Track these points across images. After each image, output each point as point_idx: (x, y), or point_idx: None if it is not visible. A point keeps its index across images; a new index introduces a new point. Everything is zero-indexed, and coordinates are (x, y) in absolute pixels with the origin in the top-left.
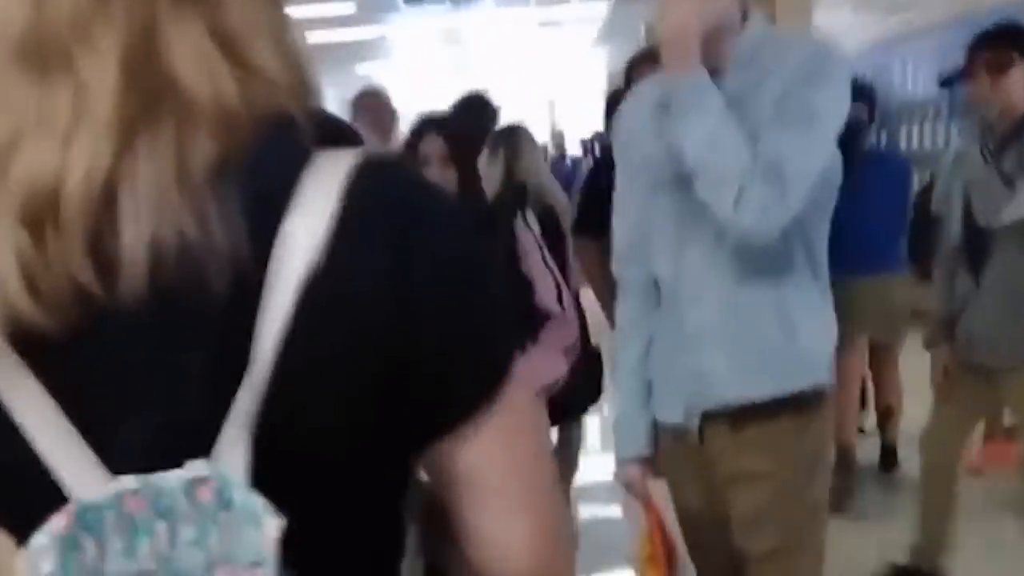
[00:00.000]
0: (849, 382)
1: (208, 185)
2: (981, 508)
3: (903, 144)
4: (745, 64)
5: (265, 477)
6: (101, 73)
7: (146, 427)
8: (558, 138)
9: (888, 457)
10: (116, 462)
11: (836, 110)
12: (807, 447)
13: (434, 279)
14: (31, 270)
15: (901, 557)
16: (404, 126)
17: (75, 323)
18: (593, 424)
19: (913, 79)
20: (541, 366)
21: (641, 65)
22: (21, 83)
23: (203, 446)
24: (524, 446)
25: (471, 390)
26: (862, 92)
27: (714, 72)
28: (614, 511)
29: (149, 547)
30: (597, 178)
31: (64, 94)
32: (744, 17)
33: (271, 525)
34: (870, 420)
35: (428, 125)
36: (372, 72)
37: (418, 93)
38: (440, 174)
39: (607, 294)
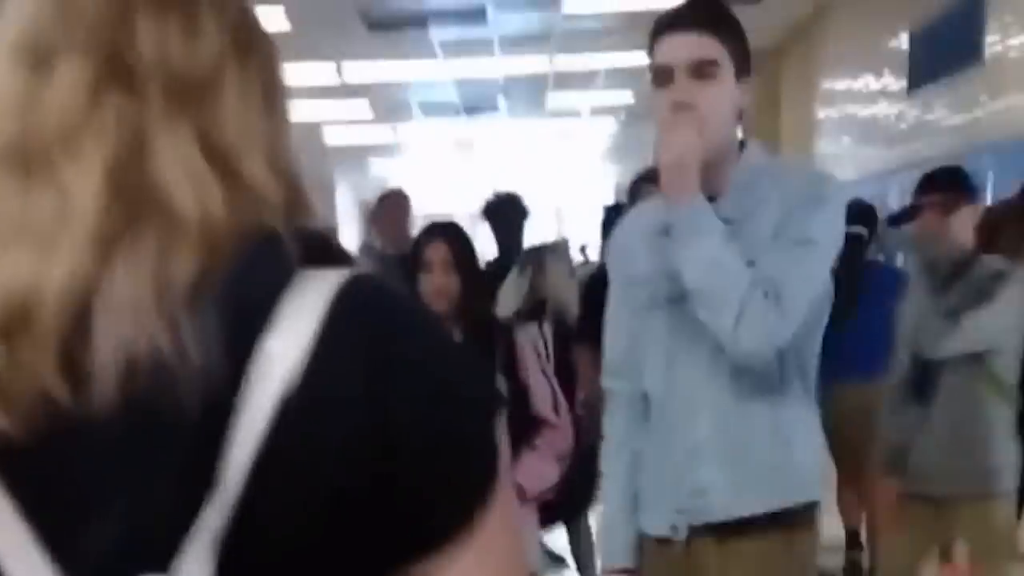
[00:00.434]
0: None
1: (186, 301)
2: None
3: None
4: (742, 189)
5: None
6: (85, 180)
7: (107, 538)
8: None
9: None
10: (74, 571)
11: (832, 234)
12: (795, 563)
13: (411, 402)
14: (0, 377)
15: None
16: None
17: (42, 430)
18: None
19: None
20: (534, 472)
21: (644, 183)
22: (5, 187)
23: (164, 560)
24: (504, 567)
25: (450, 510)
26: (863, 214)
27: (712, 197)
28: None
29: None
30: (595, 289)
31: (47, 202)
32: (741, 145)
33: None
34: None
35: (433, 231)
36: (385, 170)
37: (430, 193)
38: (443, 280)
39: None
